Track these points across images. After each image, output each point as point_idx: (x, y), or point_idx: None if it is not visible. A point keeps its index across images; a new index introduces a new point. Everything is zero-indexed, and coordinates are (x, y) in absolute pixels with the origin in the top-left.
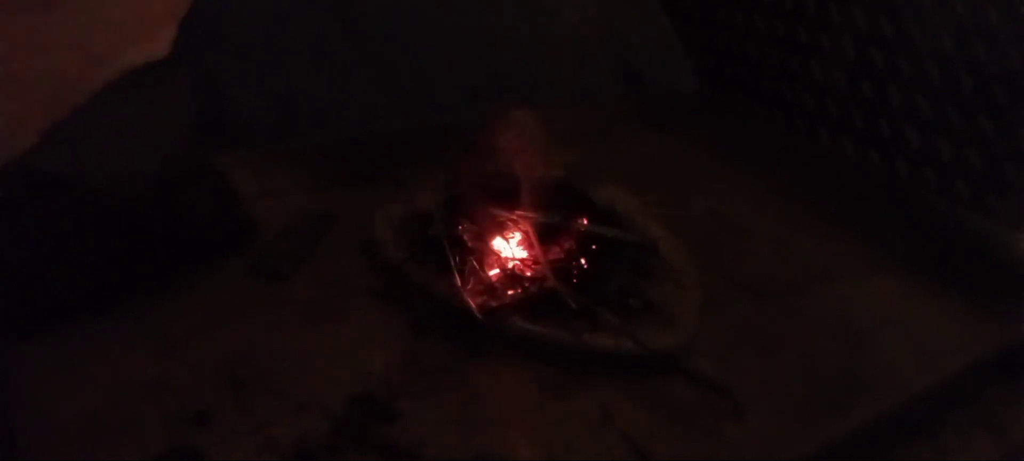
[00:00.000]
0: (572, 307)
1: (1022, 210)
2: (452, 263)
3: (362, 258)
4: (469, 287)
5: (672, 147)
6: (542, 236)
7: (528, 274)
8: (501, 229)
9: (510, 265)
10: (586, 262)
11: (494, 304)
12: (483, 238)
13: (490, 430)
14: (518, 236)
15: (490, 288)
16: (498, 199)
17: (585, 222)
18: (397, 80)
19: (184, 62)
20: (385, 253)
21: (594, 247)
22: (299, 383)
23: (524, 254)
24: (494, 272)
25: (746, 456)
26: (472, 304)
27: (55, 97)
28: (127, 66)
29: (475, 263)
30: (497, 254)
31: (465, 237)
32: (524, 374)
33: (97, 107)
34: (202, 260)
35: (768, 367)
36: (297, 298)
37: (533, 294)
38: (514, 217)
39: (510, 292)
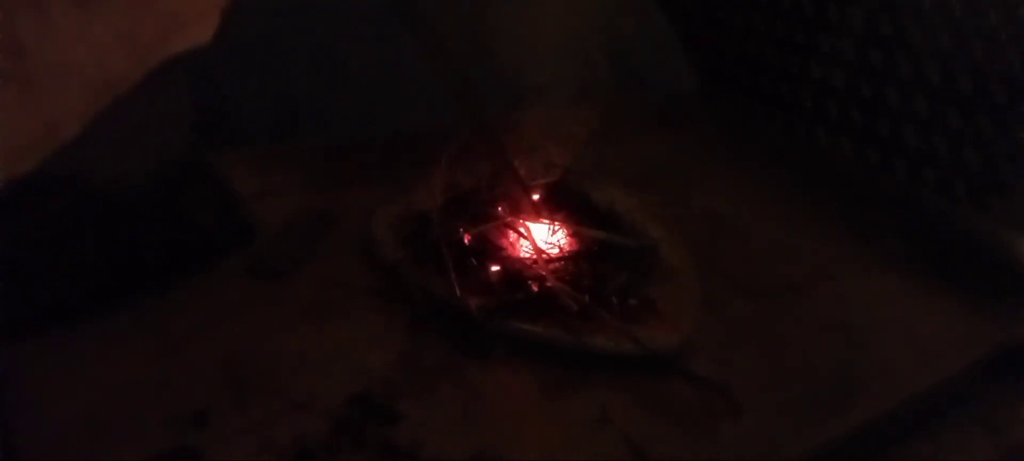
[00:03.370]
0: (571, 307)
1: (1021, 210)
2: (451, 263)
3: (361, 258)
4: (468, 287)
5: (671, 147)
6: (541, 237)
7: (527, 274)
8: (500, 230)
9: (509, 265)
10: (585, 262)
11: (493, 304)
12: (482, 238)
13: (489, 430)
14: (517, 237)
15: (489, 288)
16: (497, 200)
17: (584, 224)
18: (397, 81)
19: (183, 61)
20: (384, 253)
21: (593, 247)
22: (298, 383)
23: (523, 254)
24: (493, 271)
25: (745, 456)
26: (471, 304)
27: (101, 90)
28: (172, 56)
29: (474, 263)
30: (496, 254)
31: (464, 237)
32: (523, 374)
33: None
34: (201, 260)
35: (767, 367)
36: (296, 298)
37: (532, 294)
38: (513, 217)
39: (509, 292)
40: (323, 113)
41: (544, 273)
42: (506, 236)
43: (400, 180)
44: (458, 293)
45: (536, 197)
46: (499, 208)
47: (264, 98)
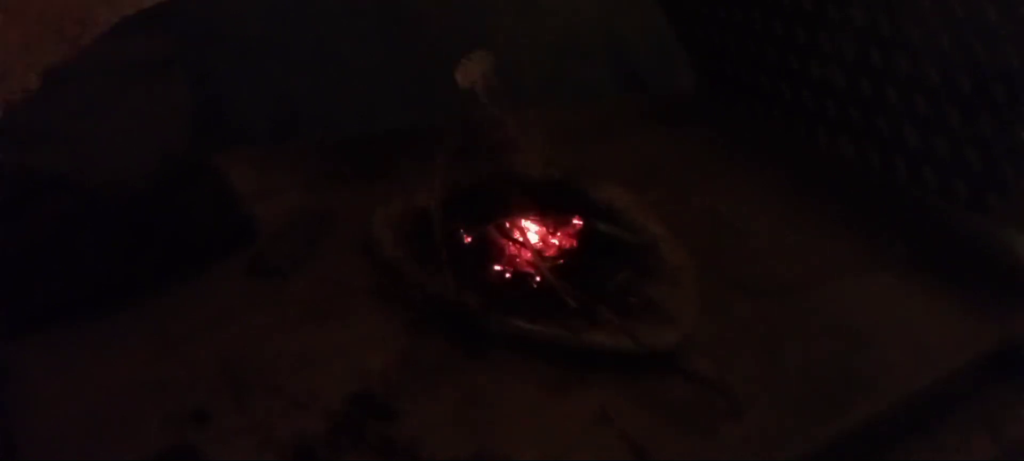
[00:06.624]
0: (571, 305)
1: (1020, 209)
2: (450, 262)
3: (361, 257)
4: (468, 286)
5: (671, 146)
6: (541, 235)
7: (527, 273)
8: (500, 228)
9: (509, 264)
10: (585, 261)
11: (493, 303)
12: (481, 237)
13: (488, 429)
14: (517, 235)
15: (489, 287)
16: (496, 198)
17: (584, 221)
18: (396, 80)
19: (182, 61)
20: (384, 252)
21: (593, 246)
22: (298, 381)
23: (523, 253)
24: (493, 270)
25: (744, 455)
26: (471, 303)
27: (62, 34)
28: (131, 6)
29: (474, 262)
30: (495, 253)
31: (464, 236)
32: (523, 373)
33: (96, 106)
34: (201, 259)
35: (766, 366)
36: (296, 297)
37: (532, 292)
38: (512, 216)
39: (509, 290)
40: (322, 112)
41: (543, 271)
42: (505, 235)
43: (399, 179)
44: (457, 292)
45: (535, 196)
46: (498, 207)
47: (264, 97)
